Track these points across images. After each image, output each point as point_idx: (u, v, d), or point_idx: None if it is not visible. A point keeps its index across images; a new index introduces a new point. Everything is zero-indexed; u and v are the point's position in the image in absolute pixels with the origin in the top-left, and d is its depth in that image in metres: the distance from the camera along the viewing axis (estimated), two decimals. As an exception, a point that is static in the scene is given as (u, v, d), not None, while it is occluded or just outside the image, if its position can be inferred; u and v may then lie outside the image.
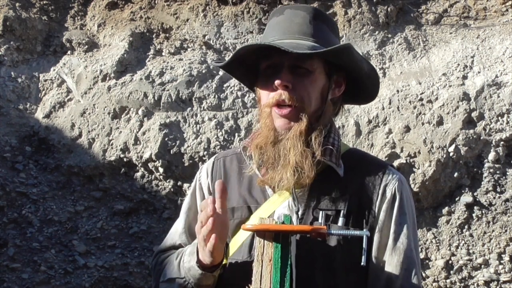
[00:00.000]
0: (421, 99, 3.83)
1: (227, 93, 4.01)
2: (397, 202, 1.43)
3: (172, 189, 3.89)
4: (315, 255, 1.37)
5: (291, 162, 1.36)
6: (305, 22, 1.44)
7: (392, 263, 1.40)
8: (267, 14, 4.40)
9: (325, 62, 1.45)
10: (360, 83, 1.52)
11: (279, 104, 1.40)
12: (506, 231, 3.58)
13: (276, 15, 1.49)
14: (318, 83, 1.43)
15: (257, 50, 1.43)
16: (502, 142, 3.67)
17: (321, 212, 1.37)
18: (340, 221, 1.37)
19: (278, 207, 1.42)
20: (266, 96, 1.43)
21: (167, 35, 4.44)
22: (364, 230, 1.36)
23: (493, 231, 3.60)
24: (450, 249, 3.63)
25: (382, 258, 1.41)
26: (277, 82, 1.38)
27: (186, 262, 1.38)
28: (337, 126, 3.76)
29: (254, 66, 1.49)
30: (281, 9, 1.51)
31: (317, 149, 1.38)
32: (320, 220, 1.37)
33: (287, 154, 1.37)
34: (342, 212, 1.38)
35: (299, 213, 1.40)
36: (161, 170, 3.84)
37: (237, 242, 1.44)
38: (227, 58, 1.61)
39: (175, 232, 1.59)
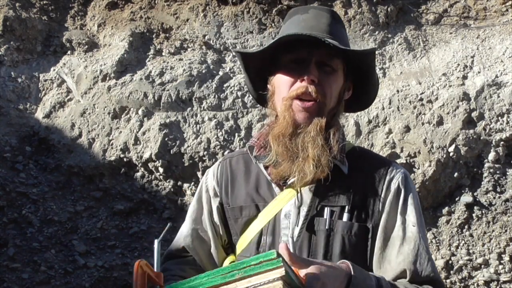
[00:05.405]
0: (421, 99, 3.83)
1: (227, 93, 4.01)
2: (402, 195, 1.45)
3: (172, 189, 3.89)
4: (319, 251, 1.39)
5: (311, 155, 1.38)
6: (331, 22, 1.48)
7: (403, 252, 1.40)
8: (267, 14, 4.40)
9: (345, 64, 1.48)
10: (363, 91, 1.55)
11: (301, 98, 1.42)
12: (506, 231, 3.58)
13: (301, 13, 1.52)
14: (338, 82, 1.47)
15: (283, 43, 1.44)
16: (502, 142, 3.67)
17: (326, 208, 1.39)
18: (345, 217, 1.40)
19: (285, 205, 1.44)
20: (287, 89, 1.45)
21: (167, 35, 4.44)
22: None
23: (493, 231, 3.60)
24: (450, 249, 3.63)
25: (389, 250, 1.42)
26: (306, 76, 1.40)
27: None
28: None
29: (268, 60, 1.50)
30: (305, 8, 1.55)
31: (334, 145, 1.41)
32: (325, 216, 1.39)
33: (307, 147, 1.39)
34: (346, 207, 1.40)
35: (305, 209, 1.42)
36: (161, 170, 3.84)
37: (246, 240, 1.48)
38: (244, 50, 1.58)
39: (181, 235, 1.62)
